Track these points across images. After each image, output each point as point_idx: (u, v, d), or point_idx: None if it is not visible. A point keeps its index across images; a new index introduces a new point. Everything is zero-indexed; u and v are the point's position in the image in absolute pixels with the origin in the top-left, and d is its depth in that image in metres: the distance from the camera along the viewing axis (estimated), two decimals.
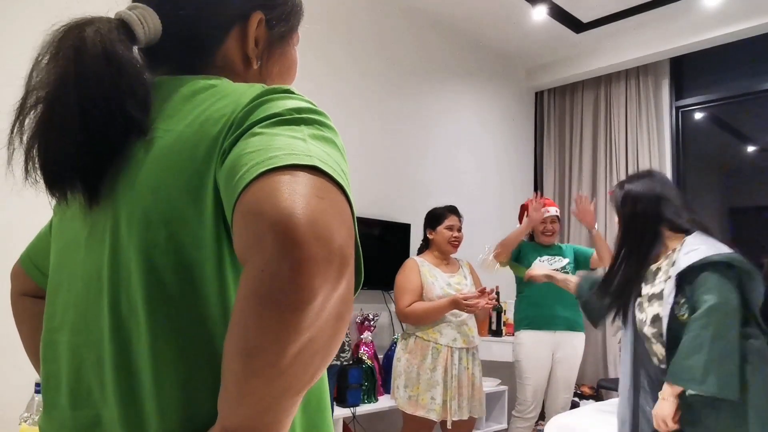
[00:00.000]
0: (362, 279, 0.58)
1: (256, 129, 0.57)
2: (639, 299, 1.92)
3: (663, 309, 1.78)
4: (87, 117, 0.61)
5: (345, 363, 2.75)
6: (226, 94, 0.63)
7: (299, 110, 0.59)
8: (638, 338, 1.92)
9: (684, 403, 1.70)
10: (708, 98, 4.25)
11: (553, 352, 3.25)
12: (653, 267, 1.90)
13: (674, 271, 1.76)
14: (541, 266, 2.61)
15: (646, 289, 1.90)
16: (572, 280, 2.32)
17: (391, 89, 3.79)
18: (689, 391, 1.68)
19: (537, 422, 3.31)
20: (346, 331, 0.54)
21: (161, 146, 0.62)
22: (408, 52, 3.91)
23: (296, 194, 0.49)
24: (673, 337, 1.74)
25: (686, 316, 1.72)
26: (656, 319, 1.83)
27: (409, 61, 3.91)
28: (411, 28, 3.93)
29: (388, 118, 3.75)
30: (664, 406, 1.71)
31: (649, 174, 2.00)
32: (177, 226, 0.59)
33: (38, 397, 2.01)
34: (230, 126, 0.59)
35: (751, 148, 4.45)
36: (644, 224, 1.88)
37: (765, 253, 4.05)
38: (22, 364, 2.12)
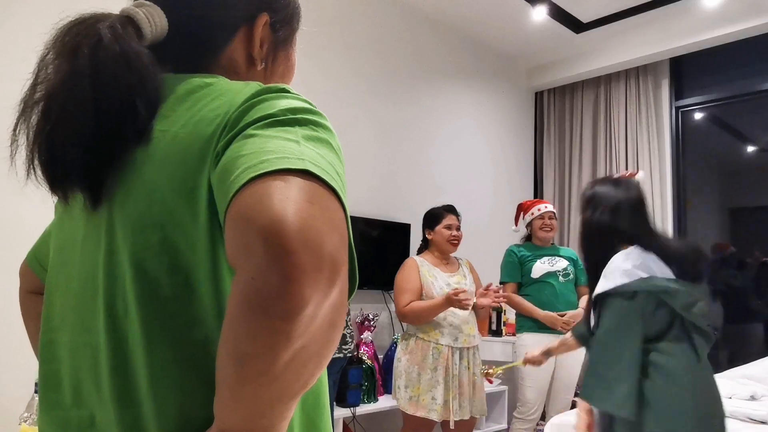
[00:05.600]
0: (357, 283, 0.57)
1: (250, 130, 0.56)
2: None
3: (592, 327, 1.85)
4: (101, 117, 0.60)
5: (349, 354, 2.74)
6: (220, 94, 0.63)
7: (294, 110, 0.59)
8: None
9: (605, 416, 1.76)
10: (708, 98, 4.25)
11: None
12: None
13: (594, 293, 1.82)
14: (535, 350, 2.61)
15: None
16: (568, 341, 2.32)
17: (390, 90, 3.79)
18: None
19: (537, 423, 3.31)
20: (340, 336, 0.54)
21: (157, 148, 0.61)
22: (407, 52, 3.91)
23: (286, 200, 0.48)
24: None
25: None
26: None
27: (408, 62, 3.91)
28: (410, 29, 3.93)
29: (388, 119, 3.75)
30: (577, 419, 1.85)
31: (615, 181, 1.96)
32: (171, 229, 0.59)
33: (38, 397, 2.01)
34: (224, 127, 0.58)
35: (751, 148, 4.45)
36: (598, 234, 1.87)
37: (765, 253, 4.05)
38: (22, 364, 2.12)
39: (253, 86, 0.62)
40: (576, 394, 3.84)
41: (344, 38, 3.54)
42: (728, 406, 1.88)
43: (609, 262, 1.81)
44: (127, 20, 0.66)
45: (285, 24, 0.79)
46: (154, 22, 0.68)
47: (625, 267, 1.76)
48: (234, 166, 0.53)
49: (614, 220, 1.85)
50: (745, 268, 4.15)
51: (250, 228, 0.47)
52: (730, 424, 1.78)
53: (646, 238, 1.83)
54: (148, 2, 0.69)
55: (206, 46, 0.73)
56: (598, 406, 1.72)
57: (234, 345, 0.47)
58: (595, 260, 1.88)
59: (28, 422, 1.92)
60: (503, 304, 3.90)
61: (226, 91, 0.63)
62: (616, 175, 2.03)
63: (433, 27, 4.08)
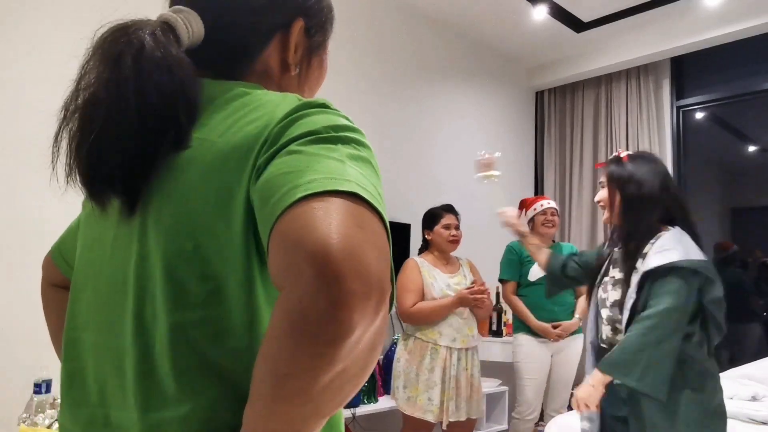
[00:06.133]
0: (394, 302, 0.57)
1: (293, 146, 0.56)
2: (605, 279, 1.93)
3: (627, 301, 1.79)
4: (143, 125, 0.60)
5: None
6: (259, 105, 0.62)
7: (336, 128, 0.58)
8: (598, 316, 1.95)
9: (628, 395, 1.73)
10: (708, 98, 4.24)
11: (552, 354, 3.24)
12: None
13: (643, 267, 1.76)
14: (513, 215, 2.49)
15: (614, 272, 1.90)
16: (542, 254, 2.32)
17: (390, 90, 3.78)
18: (616, 381, 1.72)
19: (537, 423, 3.31)
20: (377, 359, 0.54)
21: (194, 155, 0.61)
22: (408, 53, 3.90)
23: (336, 224, 0.48)
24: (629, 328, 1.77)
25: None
26: (615, 305, 1.85)
27: (408, 62, 3.90)
28: (411, 29, 3.93)
29: (388, 118, 3.75)
30: (591, 391, 1.74)
31: (651, 158, 1.95)
32: (203, 238, 0.59)
33: (37, 398, 2.01)
34: (265, 141, 0.58)
35: (751, 148, 4.44)
36: (647, 209, 1.84)
37: (766, 253, 4.04)
38: (21, 365, 2.12)
39: (292, 99, 0.62)
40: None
41: (344, 38, 3.53)
42: (730, 406, 1.87)
43: (658, 242, 1.76)
44: (167, 27, 0.65)
45: (320, 29, 0.79)
46: (192, 28, 0.68)
47: (685, 244, 1.73)
48: (278, 184, 0.52)
49: (663, 191, 1.84)
50: (746, 268, 4.15)
51: (298, 250, 0.47)
52: (731, 424, 1.78)
53: (687, 215, 1.83)
54: (185, 8, 0.69)
55: (242, 51, 0.73)
56: (635, 385, 1.65)
57: (274, 364, 0.47)
58: (639, 236, 1.83)
59: (26, 423, 1.92)
60: (504, 305, 3.91)
61: (264, 103, 0.62)
62: (633, 153, 2.00)
63: (433, 27, 4.08)
